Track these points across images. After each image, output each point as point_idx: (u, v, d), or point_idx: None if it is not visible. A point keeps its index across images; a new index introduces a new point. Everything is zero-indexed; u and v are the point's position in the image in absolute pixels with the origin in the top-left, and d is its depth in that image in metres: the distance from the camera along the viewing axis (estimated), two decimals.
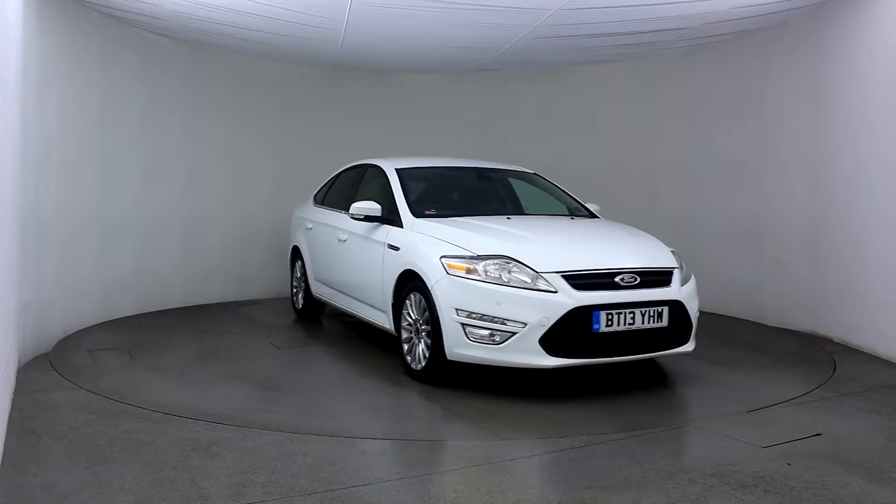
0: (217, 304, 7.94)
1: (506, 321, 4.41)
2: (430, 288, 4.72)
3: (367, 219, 5.60)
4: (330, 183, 7.19)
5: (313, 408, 4.41)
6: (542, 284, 4.45)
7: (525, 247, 4.70)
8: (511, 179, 6.40)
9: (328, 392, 4.87)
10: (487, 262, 4.58)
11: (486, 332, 4.47)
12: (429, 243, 4.97)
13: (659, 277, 4.78)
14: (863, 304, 5.88)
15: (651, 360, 5.15)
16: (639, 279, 4.65)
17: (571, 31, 6.72)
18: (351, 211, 5.66)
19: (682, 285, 4.86)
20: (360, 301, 5.91)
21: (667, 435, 3.91)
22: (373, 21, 6.42)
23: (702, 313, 7.55)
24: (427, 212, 5.49)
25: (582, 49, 7.54)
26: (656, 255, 4.98)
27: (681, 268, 5.00)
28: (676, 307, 4.73)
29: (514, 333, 4.40)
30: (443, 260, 4.72)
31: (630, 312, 4.53)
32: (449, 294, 4.61)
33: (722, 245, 7.57)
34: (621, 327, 4.51)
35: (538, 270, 4.49)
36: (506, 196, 6.21)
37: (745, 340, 6.41)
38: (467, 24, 6.52)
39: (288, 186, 8.44)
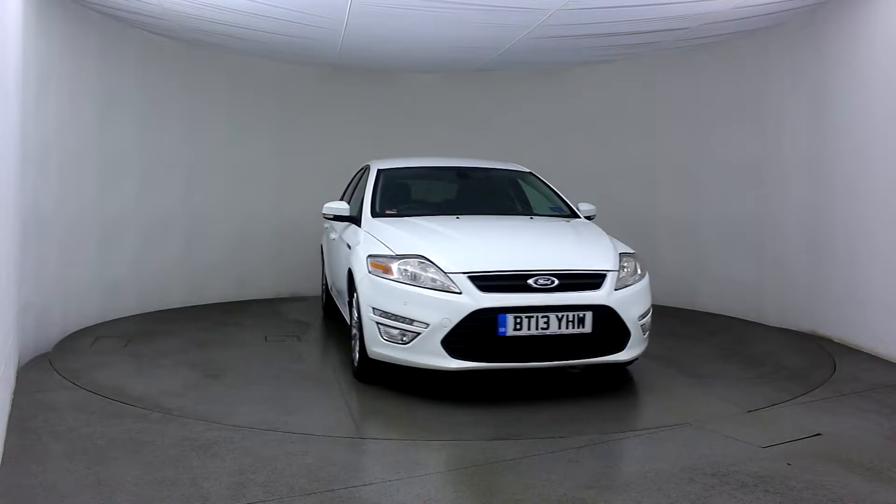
0: (255, 301, 7.96)
1: (412, 321, 4.38)
2: (356, 286, 4.80)
3: (337, 218, 5.71)
4: (349, 183, 7.24)
5: (224, 397, 4.60)
6: (449, 285, 4.37)
7: (444, 247, 4.63)
8: (502, 179, 6.34)
9: (259, 383, 4.94)
10: (403, 261, 4.56)
11: (397, 332, 4.45)
12: (367, 242, 5.01)
13: (584, 280, 4.50)
14: (863, 304, 5.88)
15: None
16: (557, 282, 4.41)
17: (571, 31, 6.72)
18: (322, 210, 5.75)
19: (617, 289, 4.54)
20: (338, 298, 6.15)
21: (667, 435, 3.91)
22: (373, 21, 6.42)
23: (702, 313, 7.65)
24: (388, 211, 5.53)
25: (582, 49, 7.54)
26: (590, 258, 4.67)
27: (633, 271, 4.73)
28: (604, 312, 4.44)
29: (419, 334, 4.35)
30: (368, 259, 4.75)
31: (544, 316, 4.31)
32: (368, 292, 4.64)
33: (722, 245, 7.58)
34: (533, 332, 4.30)
35: (447, 271, 4.41)
36: (488, 195, 6.14)
37: (744, 340, 6.41)
38: (467, 24, 6.52)
39: (288, 186, 8.45)
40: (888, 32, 5.56)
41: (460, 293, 4.33)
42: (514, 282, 4.38)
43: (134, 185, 7.20)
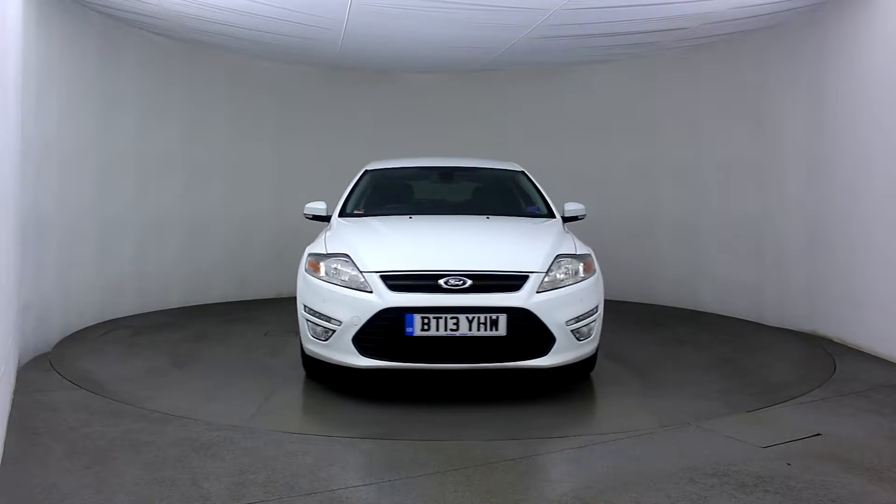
0: (257, 300, 7.95)
1: (329, 319, 4.45)
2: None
3: (315, 217, 5.74)
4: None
5: (180, 387, 4.81)
6: (363, 284, 4.41)
7: (368, 247, 4.68)
8: (488, 178, 6.30)
9: (224, 376, 5.11)
10: (330, 260, 4.63)
11: (320, 329, 4.53)
12: (317, 241, 5.08)
13: (501, 282, 4.38)
14: (863, 304, 5.88)
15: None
16: (470, 283, 4.32)
17: (571, 31, 6.72)
18: (304, 210, 5.80)
19: (542, 291, 4.40)
20: None
21: (667, 435, 3.91)
22: (373, 21, 6.42)
23: (702, 313, 7.65)
24: (356, 211, 5.65)
25: (582, 49, 7.54)
26: (515, 260, 4.53)
27: (573, 273, 4.57)
28: (521, 315, 4.31)
29: (334, 331, 4.42)
30: (307, 257, 4.82)
31: (453, 318, 4.24)
32: (301, 290, 4.75)
33: (722, 245, 7.58)
34: (442, 333, 4.24)
35: (362, 270, 4.45)
36: (468, 195, 6.15)
37: (744, 341, 6.41)
38: (467, 24, 6.52)
39: (288, 186, 8.45)
40: (888, 32, 5.56)
41: (371, 292, 4.36)
42: (425, 282, 4.35)
43: (134, 185, 7.20)
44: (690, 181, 7.90)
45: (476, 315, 4.25)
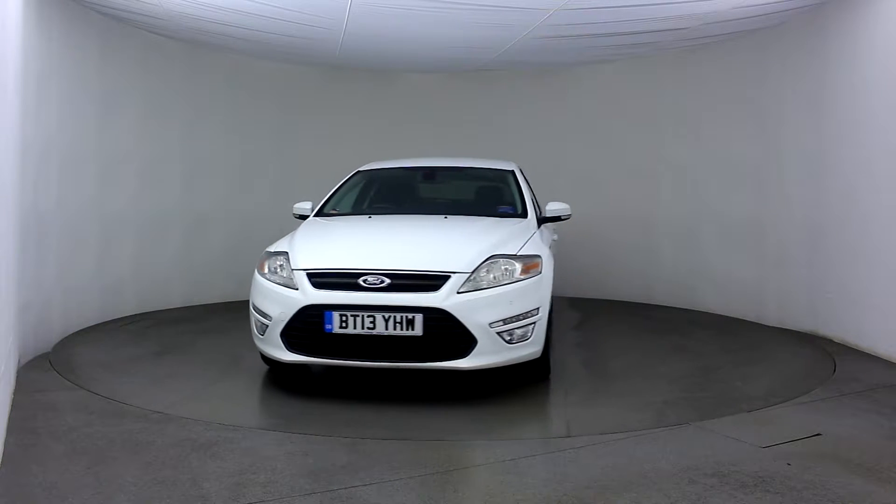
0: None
1: (265, 314, 4.60)
2: None
3: (301, 217, 5.86)
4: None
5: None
6: (293, 281, 4.53)
7: (306, 245, 4.81)
8: (474, 178, 6.32)
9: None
10: (273, 258, 4.77)
11: (259, 324, 4.69)
12: (279, 241, 5.18)
13: (421, 282, 4.36)
14: (863, 304, 5.88)
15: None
16: (388, 282, 4.35)
17: (571, 31, 6.72)
18: (293, 209, 5.96)
19: (465, 292, 4.35)
20: None
21: (667, 435, 3.91)
22: (373, 21, 6.42)
23: (702, 313, 7.65)
24: (331, 211, 5.83)
25: (582, 49, 7.54)
26: (439, 259, 4.49)
27: (507, 274, 4.48)
28: (439, 316, 4.27)
29: (267, 326, 4.57)
30: (262, 255, 4.96)
31: (370, 316, 4.29)
32: (252, 288, 4.88)
33: (722, 245, 7.58)
34: (359, 331, 4.30)
35: (293, 268, 4.58)
36: (447, 194, 6.19)
37: (744, 340, 6.41)
38: (467, 24, 6.52)
39: (288, 186, 8.44)
40: (888, 32, 5.56)
41: (297, 289, 4.48)
42: (346, 280, 4.42)
43: (134, 184, 7.20)
44: (690, 181, 7.90)
45: (392, 314, 4.28)
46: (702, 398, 4.65)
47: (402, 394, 4.68)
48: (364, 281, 4.38)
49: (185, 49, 7.66)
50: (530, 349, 4.57)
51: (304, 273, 4.51)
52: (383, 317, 4.28)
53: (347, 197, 6.06)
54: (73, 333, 6.25)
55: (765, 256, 7.10)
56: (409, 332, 4.27)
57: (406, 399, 4.57)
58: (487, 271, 4.47)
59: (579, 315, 7.60)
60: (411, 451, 3.70)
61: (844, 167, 6.07)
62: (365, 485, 3.22)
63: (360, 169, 6.37)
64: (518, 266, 4.56)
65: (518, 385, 4.86)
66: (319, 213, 5.80)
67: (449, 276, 4.37)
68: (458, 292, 4.34)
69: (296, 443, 3.74)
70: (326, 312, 4.33)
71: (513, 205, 5.69)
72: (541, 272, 4.66)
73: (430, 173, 6.33)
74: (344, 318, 4.31)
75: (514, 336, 4.44)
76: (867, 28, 5.80)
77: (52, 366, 5.22)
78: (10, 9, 4.24)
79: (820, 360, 5.61)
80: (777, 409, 4.38)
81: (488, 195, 6.03)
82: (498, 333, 4.36)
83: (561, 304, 7.52)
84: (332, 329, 4.33)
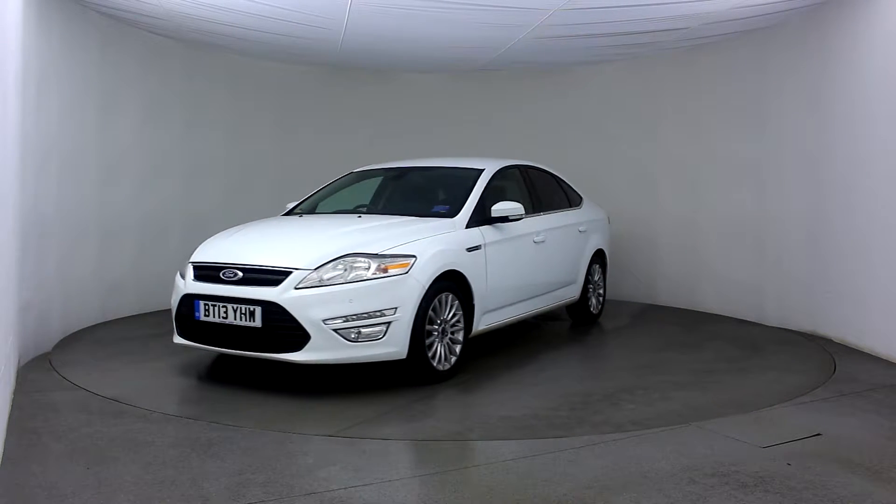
0: None
1: (173, 303, 5.04)
2: None
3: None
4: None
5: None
6: (188, 273, 4.97)
7: (212, 240, 5.24)
8: (435, 179, 6.27)
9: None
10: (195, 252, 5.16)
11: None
12: None
13: (267, 276, 4.57)
14: (863, 304, 5.88)
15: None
16: (241, 275, 4.65)
17: (571, 31, 6.72)
18: (285, 208, 6.23)
19: (303, 287, 4.46)
20: None
21: (667, 435, 3.91)
22: (373, 21, 6.42)
23: (701, 313, 7.64)
24: (296, 211, 6.11)
25: (582, 49, 7.54)
26: (288, 256, 4.66)
27: (351, 270, 4.53)
28: (275, 309, 4.44)
29: (171, 312, 5.06)
30: None
31: (223, 307, 4.63)
32: None
33: (722, 245, 7.58)
34: (216, 319, 4.67)
35: (189, 260, 5.05)
36: (412, 195, 6.19)
37: (744, 340, 6.41)
38: (467, 24, 6.52)
39: (287, 186, 8.43)
40: (888, 32, 5.56)
41: (184, 279, 4.94)
42: (212, 273, 4.80)
43: (134, 184, 7.20)
44: (690, 181, 7.90)
45: (239, 306, 4.58)
46: (702, 398, 4.65)
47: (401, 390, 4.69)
48: (223, 274, 4.73)
49: (185, 49, 7.66)
50: (383, 349, 4.58)
51: (191, 265, 4.97)
52: (233, 308, 4.61)
53: (320, 198, 6.30)
54: (73, 333, 6.25)
55: (765, 256, 7.10)
56: (251, 324, 4.55)
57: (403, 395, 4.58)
58: (342, 269, 4.57)
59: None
60: (411, 451, 3.70)
61: (844, 167, 6.07)
62: (365, 485, 3.22)
63: (354, 170, 6.58)
64: (374, 265, 4.62)
65: (518, 385, 4.86)
66: (289, 213, 6.11)
67: (290, 272, 4.55)
68: (297, 288, 4.49)
69: (296, 443, 3.74)
70: (195, 301, 4.77)
71: (451, 204, 5.56)
72: (407, 272, 4.66)
73: (400, 174, 6.45)
74: (207, 308, 4.71)
75: (361, 334, 4.51)
76: (867, 28, 5.80)
77: (52, 366, 5.22)
78: (10, 9, 4.24)
79: (820, 360, 5.61)
80: (777, 409, 4.39)
81: (438, 195, 5.94)
82: (335, 330, 4.45)
83: None
84: (199, 317, 4.76)
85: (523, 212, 5.63)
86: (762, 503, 3.04)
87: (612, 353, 6.18)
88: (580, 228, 6.84)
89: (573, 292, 6.80)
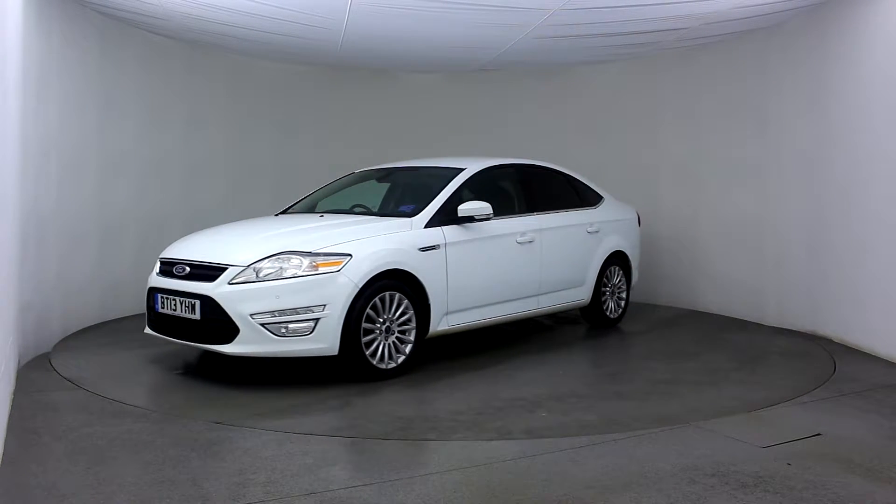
0: None
1: None
2: None
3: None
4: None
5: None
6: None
7: (187, 239, 5.52)
8: (415, 179, 6.31)
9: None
10: None
11: None
12: None
13: (208, 272, 4.83)
14: (863, 304, 5.88)
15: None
16: (188, 270, 4.95)
17: (571, 31, 6.72)
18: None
19: (236, 283, 4.64)
20: None
21: (667, 435, 3.91)
22: (373, 21, 6.42)
23: (701, 313, 7.64)
24: (290, 210, 6.28)
25: (582, 49, 7.54)
26: (227, 253, 4.89)
27: (285, 269, 4.65)
28: (210, 303, 4.68)
29: None
30: None
31: (173, 300, 4.94)
32: None
33: (722, 245, 7.58)
34: (168, 311, 4.98)
35: (158, 256, 5.39)
36: (383, 195, 6.31)
37: (744, 340, 6.41)
38: (467, 24, 6.52)
39: (287, 186, 8.44)
40: (888, 32, 5.56)
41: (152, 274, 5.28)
42: (168, 268, 5.12)
43: (134, 184, 7.19)
44: (690, 181, 7.90)
45: (184, 299, 4.87)
46: (702, 398, 4.65)
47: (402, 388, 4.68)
48: (175, 269, 5.03)
49: (185, 49, 7.66)
50: (312, 345, 4.67)
51: (159, 261, 5.31)
52: (180, 301, 4.90)
53: (312, 199, 6.38)
54: (73, 333, 6.25)
55: (765, 256, 7.10)
56: (193, 316, 4.81)
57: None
58: (278, 265, 4.72)
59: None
60: (412, 451, 3.70)
61: (844, 166, 6.07)
62: (365, 485, 3.22)
63: (355, 171, 6.66)
64: (306, 262, 4.73)
65: (518, 385, 4.86)
66: (281, 212, 6.26)
67: (226, 268, 4.76)
68: (230, 283, 4.69)
69: (296, 443, 3.74)
70: (155, 294, 5.11)
71: (419, 204, 5.52)
72: (339, 270, 4.72)
73: (387, 174, 6.50)
74: (163, 301, 5.04)
75: (289, 330, 4.61)
76: (867, 28, 5.80)
77: (52, 366, 5.22)
78: (10, 9, 4.24)
79: (820, 359, 5.61)
80: (777, 409, 4.39)
81: (416, 195, 5.86)
82: (263, 325, 4.60)
83: None
84: (158, 309, 5.08)
85: (491, 212, 5.49)
86: (762, 503, 3.04)
87: (613, 352, 6.16)
88: (589, 229, 6.65)
89: (581, 295, 6.57)
